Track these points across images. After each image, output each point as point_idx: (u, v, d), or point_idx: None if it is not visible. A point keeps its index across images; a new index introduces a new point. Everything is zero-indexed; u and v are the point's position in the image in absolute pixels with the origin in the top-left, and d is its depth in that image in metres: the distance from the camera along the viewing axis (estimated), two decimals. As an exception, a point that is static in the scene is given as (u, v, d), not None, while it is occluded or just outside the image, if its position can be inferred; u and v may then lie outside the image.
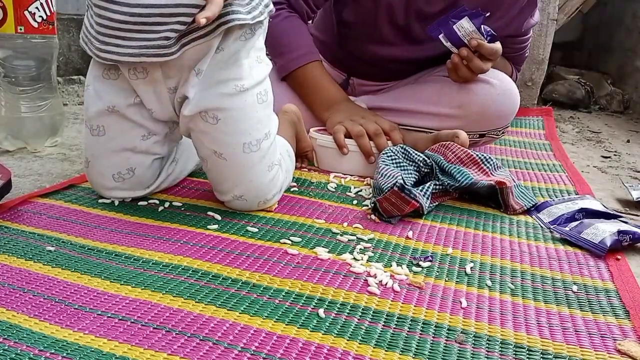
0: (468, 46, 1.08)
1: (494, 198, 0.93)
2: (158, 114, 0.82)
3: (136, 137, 0.82)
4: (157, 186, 0.88)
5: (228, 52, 0.78)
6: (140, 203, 0.85)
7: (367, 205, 0.90)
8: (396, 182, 0.83)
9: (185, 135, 0.85)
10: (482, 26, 1.07)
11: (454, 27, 1.07)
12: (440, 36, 1.09)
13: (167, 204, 0.85)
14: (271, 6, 0.83)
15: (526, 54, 1.35)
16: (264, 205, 0.85)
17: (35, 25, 1.05)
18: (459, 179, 0.92)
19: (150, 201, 0.85)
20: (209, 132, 0.79)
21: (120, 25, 0.74)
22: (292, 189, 0.96)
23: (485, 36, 1.08)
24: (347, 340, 0.54)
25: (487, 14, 1.07)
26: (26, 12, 1.03)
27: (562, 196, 1.03)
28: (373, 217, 0.86)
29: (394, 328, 0.57)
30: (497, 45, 1.10)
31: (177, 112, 0.82)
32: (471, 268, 0.71)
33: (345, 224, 0.82)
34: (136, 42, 0.74)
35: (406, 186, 0.83)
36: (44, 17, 1.06)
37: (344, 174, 1.07)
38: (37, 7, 1.04)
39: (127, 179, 0.83)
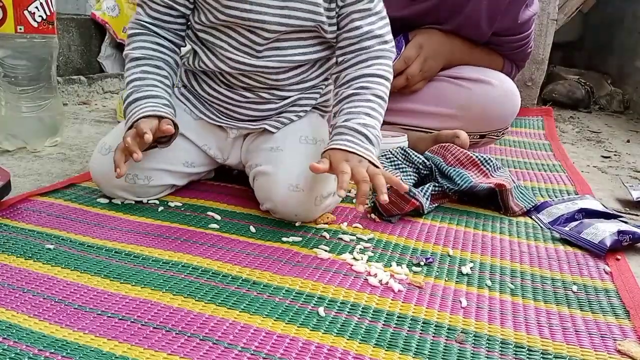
0: None
1: (493, 200, 0.93)
2: (232, 161, 0.91)
3: (180, 161, 0.87)
4: (153, 195, 0.86)
5: None
6: (140, 203, 0.85)
7: (367, 205, 0.90)
8: (396, 181, 0.83)
9: (241, 162, 0.91)
10: None
11: None
12: None
13: (167, 204, 0.85)
14: None
15: (529, 50, 1.27)
16: (318, 204, 0.79)
17: (35, 25, 1.05)
18: (459, 182, 0.92)
19: (150, 201, 0.85)
20: (268, 137, 0.85)
21: (249, 116, 0.86)
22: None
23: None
24: (347, 339, 0.54)
25: None
26: (26, 12, 1.03)
27: (562, 196, 1.03)
28: (373, 216, 0.86)
29: (394, 327, 0.57)
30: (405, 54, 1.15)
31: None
32: (471, 268, 0.71)
33: (345, 224, 0.82)
34: (260, 123, 0.86)
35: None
36: (44, 16, 1.06)
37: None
38: (36, 7, 1.04)
39: (137, 184, 0.83)
